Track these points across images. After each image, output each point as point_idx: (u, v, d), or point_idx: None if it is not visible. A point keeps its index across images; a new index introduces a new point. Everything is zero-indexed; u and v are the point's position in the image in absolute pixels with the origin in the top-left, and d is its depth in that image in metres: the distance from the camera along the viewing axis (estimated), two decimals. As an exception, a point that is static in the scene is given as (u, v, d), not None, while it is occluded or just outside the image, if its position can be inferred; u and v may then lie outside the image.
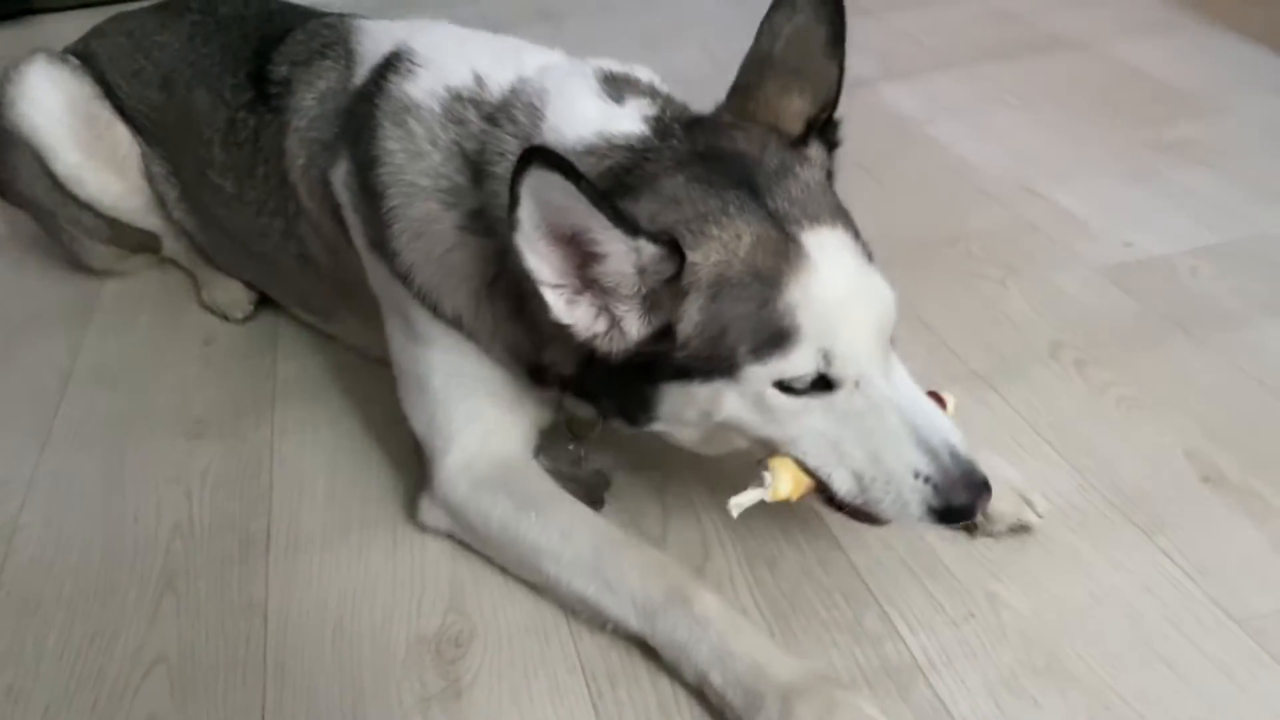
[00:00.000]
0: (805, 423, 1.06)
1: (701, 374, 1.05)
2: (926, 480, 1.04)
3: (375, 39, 1.40)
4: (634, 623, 1.15)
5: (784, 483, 1.08)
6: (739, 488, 1.10)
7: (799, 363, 1.02)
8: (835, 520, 1.30)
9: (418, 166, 1.22)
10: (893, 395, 1.06)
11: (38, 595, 1.32)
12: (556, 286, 1.02)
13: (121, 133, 1.77)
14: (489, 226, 1.18)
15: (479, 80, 1.25)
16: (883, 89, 2.56)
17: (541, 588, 1.24)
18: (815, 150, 1.15)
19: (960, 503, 1.04)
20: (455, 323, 1.25)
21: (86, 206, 1.80)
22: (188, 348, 1.81)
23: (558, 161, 0.92)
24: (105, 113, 1.76)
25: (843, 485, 1.08)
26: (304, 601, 1.28)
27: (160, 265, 1.99)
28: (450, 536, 1.33)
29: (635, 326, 1.04)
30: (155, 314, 1.91)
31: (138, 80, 1.73)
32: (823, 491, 1.11)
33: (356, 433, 1.56)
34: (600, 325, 1.04)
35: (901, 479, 1.05)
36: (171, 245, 1.90)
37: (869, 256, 1.09)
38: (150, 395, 1.69)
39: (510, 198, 0.95)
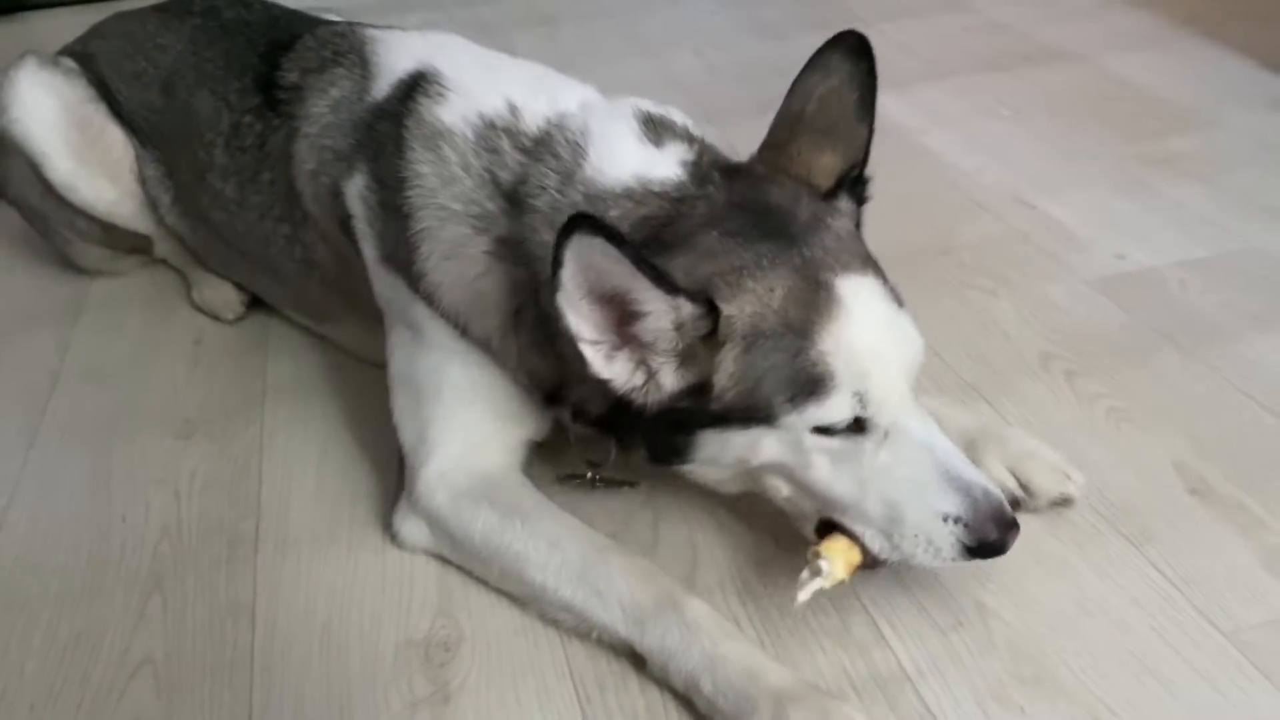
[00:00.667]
0: (841, 467, 1.08)
1: (739, 422, 1.07)
2: (957, 521, 1.06)
3: (392, 51, 1.41)
4: (622, 630, 1.15)
5: (839, 567, 1.09)
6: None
7: (834, 408, 1.04)
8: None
9: (450, 191, 1.23)
10: (925, 439, 1.08)
11: (24, 594, 1.31)
12: (595, 343, 1.05)
13: (115, 136, 1.76)
14: (518, 256, 1.19)
15: (513, 110, 1.27)
16: (877, 99, 2.57)
17: (526, 599, 1.23)
18: (845, 203, 1.18)
19: (993, 539, 1.06)
20: (483, 345, 1.26)
21: (80, 211, 1.79)
22: (178, 347, 1.80)
23: (602, 228, 0.95)
24: (99, 116, 1.75)
25: (874, 544, 1.10)
26: (292, 603, 1.28)
27: (151, 265, 1.98)
28: (427, 552, 1.32)
29: (671, 379, 1.06)
30: (145, 313, 1.90)
31: (138, 82, 1.73)
32: (867, 558, 1.12)
33: (346, 434, 1.55)
34: (638, 379, 1.07)
35: (931, 527, 1.06)
36: (163, 247, 1.90)
37: (900, 302, 1.11)
38: (139, 394, 1.68)
39: (554, 260, 0.97)
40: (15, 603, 1.30)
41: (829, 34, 1.22)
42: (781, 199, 1.13)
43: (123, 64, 1.75)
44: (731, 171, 1.18)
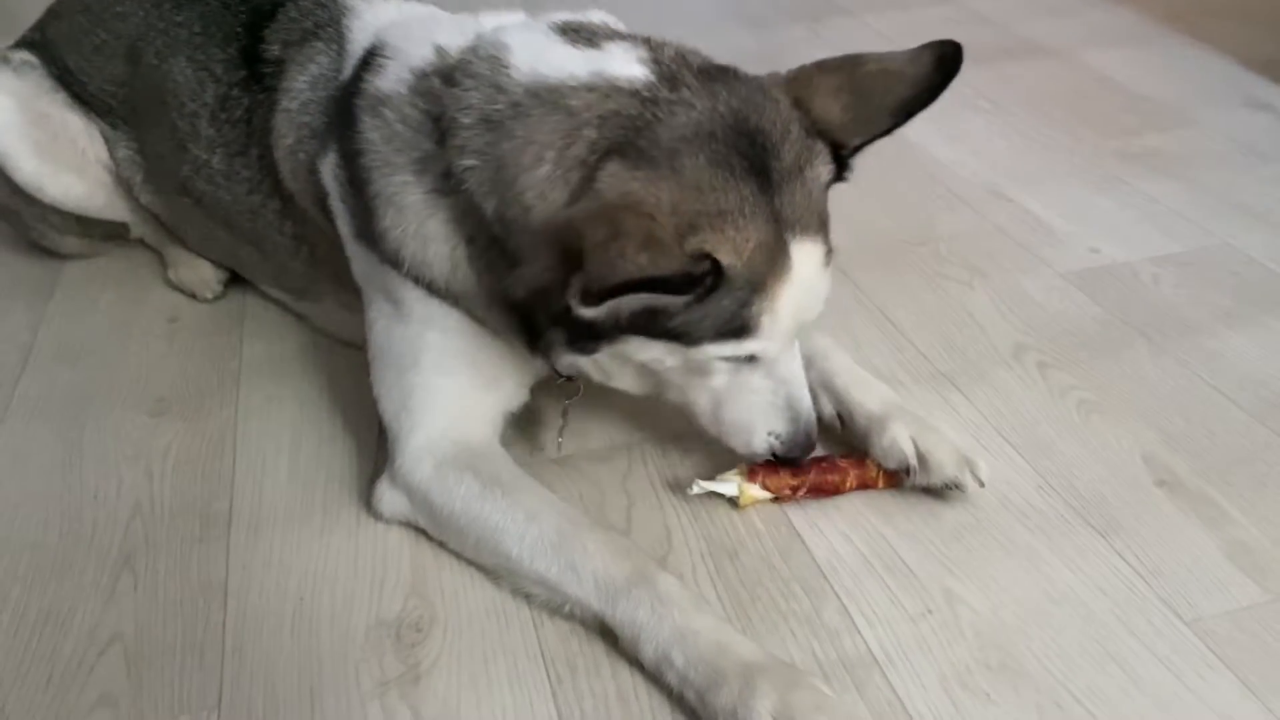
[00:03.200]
0: (715, 381, 1.20)
1: (664, 335, 1.11)
2: (777, 438, 1.23)
3: (364, 23, 1.40)
4: (595, 603, 1.15)
5: (744, 488, 1.31)
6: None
7: (746, 349, 1.13)
8: (797, 514, 1.32)
9: (392, 146, 1.23)
10: (788, 377, 1.21)
11: (-8, 570, 1.31)
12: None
13: (77, 126, 1.73)
14: (454, 186, 1.17)
15: (439, 51, 1.25)
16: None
17: (500, 571, 1.24)
18: (825, 155, 1.15)
19: (793, 456, 1.26)
20: (446, 294, 1.25)
21: (50, 208, 1.77)
22: (152, 326, 1.79)
23: (646, 284, 0.99)
24: (56, 108, 1.73)
25: (707, 424, 1.26)
26: (264, 583, 1.27)
27: (127, 244, 1.96)
28: (406, 523, 1.33)
29: (633, 306, 1.06)
30: (120, 291, 1.89)
31: (99, 55, 1.69)
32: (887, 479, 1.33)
33: (322, 414, 1.55)
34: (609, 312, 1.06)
35: (759, 434, 1.24)
36: (139, 228, 1.88)
37: (829, 258, 1.14)
38: (112, 372, 1.67)
39: (578, 250, 0.97)
40: (-16, 578, 1.30)
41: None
42: (771, 126, 1.10)
43: (81, 40, 1.72)
44: (708, 73, 1.14)
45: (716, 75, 1.15)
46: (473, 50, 1.21)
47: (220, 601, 1.25)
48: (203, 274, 1.83)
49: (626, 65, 1.13)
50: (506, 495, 1.24)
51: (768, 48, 2.88)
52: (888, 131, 1.18)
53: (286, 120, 1.40)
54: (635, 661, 1.13)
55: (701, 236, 1.03)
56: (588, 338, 1.12)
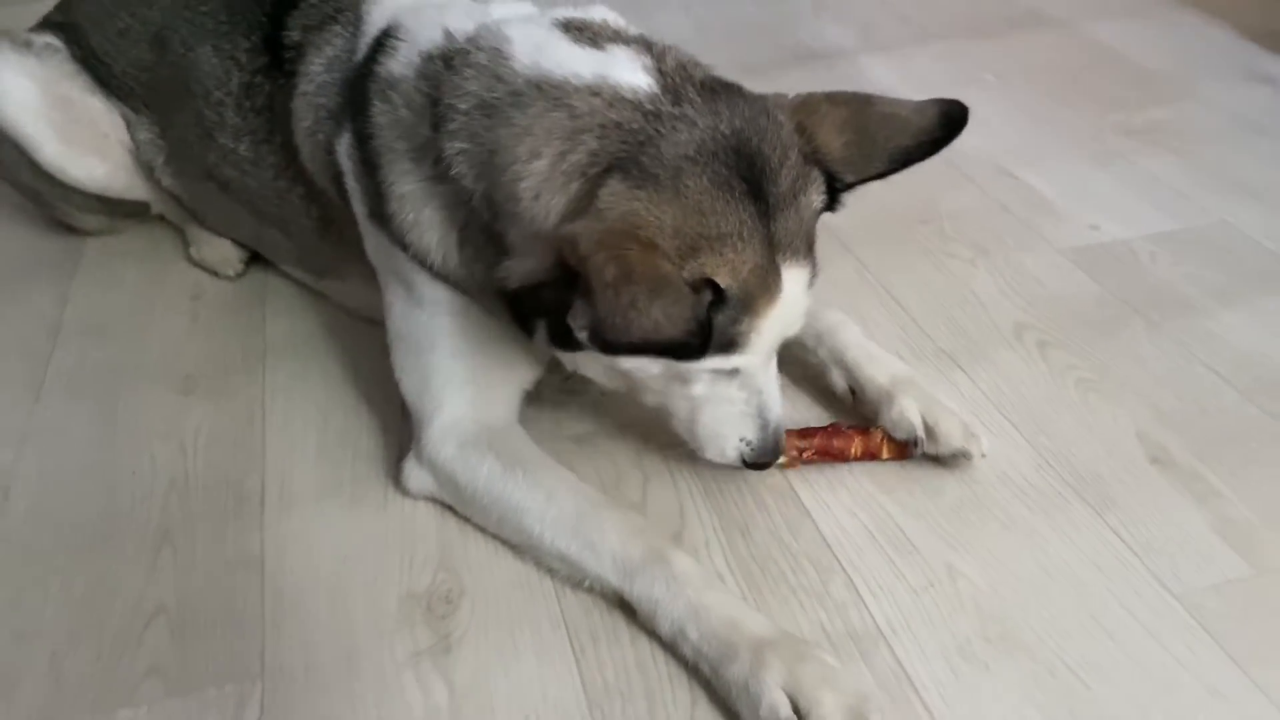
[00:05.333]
0: (695, 389, 1.23)
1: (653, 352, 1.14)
2: (749, 444, 1.26)
3: (383, 7, 1.43)
4: (613, 579, 1.22)
5: None
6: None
7: (730, 364, 1.17)
8: (805, 491, 1.39)
9: (396, 130, 1.27)
10: (762, 388, 1.24)
11: (39, 545, 1.37)
12: None
13: (99, 108, 1.77)
14: (446, 168, 1.20)
15: (448, 35, 1.28)
16: (863, 61, 2.62)
17: (523, 547, 1.30)
18: (819, 184, 1.18)
19: (763, 462, 1.29)
20: (446, 277, 1.30)
21: (72, 189, 1.81)
22: (176, 302, 1.84)
23: (659, 347, 1.06)
24: (77, 92, 1.77)
25: (681, 429, 1.29)
26: (298, 557, 1.34)
27: (148, 220, 2.00)
28: (432, 499, 1.39)
29: None
30: (142, 267, 1.94)
31: (124, 39, 1.73)
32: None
33: (346, 391, 1.61)
34: None
35: (732, 441, 1.27)
36: (160, 205, 1.92)
37: (814, 280, 1.19)
38: (140, 349, 1.72)
39: (576, 259, 1.02)
40: (31, 552, 1.36)
41: None
42: (771, 150, 1.13)
43: (106, 24, 1.75)
44: (710, 89, 1.17)
45: (719, 91, 1.17)
46: (475, 39, 1.24)
47: (257, 575, 1.32)
48: (224, 252, 1.87)
49: (631, 72, 1.15)
50: (528, 475, 1.30)
51: (770, 18, 2.91)
52: (883, 175, 1.21)
53: (304, 103, 1.45)
54: (653, 633, 1.20)
55: (702, 260, 1.06)
56: (573, 340, 1.13)
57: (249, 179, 1.63)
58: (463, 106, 1.19)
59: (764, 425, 1.26)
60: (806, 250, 1.16)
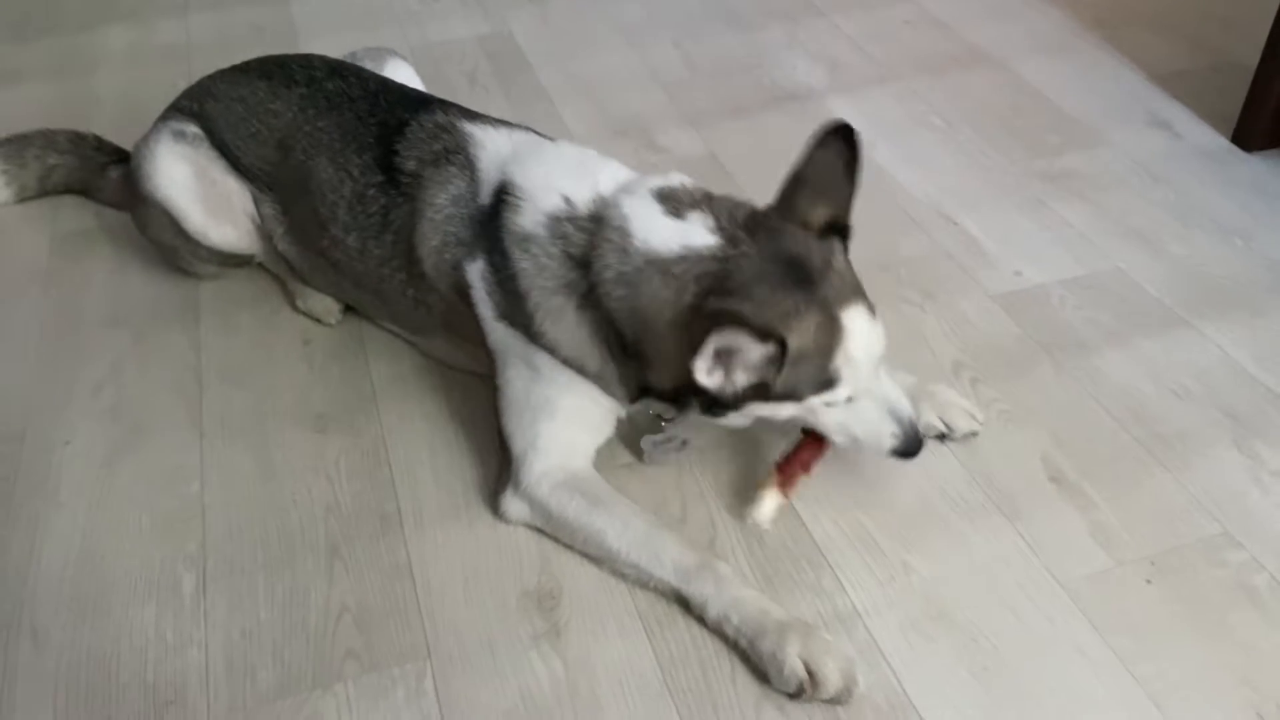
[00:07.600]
0: (832, 415, 1.68)
1: (776, 399, 1.65)
2: (895, 438, 1.68)
3: (488, 153, 1.88)
4: (673, 581, 1.72)
5: (767, 502, 1.80)
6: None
7: (838, 394, 1.65)
8: (803, 509, 1.89)
9: (544, 275, 1.74)
10: (884, 398, 1.68)
11: (240, 560, 1.82)
12: (709, 372, 1.60)
13: (233, 187, 2.20)
14: (595, 304, 1.71)
15: (568, 201, 1.76)
16: (830, 103, 3.00)
17: (602, 559, 1.79)
18: (836, 243, 1.70)
19: (911, 450, 1.70)
20: (581, 371, 1.78)
21: (206, 248, 2.25)
22: (290, 348, 2.25)
23: (728, 314, 1.50)
24: (218, 172, 2.19)
25: (839, 440, 1.73)
26: (437, 565, 1.81)
27: (249, 268, 2.40)
28: (527, 526, 1.87)
29: (743, 381, 1.61)
30: (254, 313, 2.34)
31: (254, 141, 2.14)
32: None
33: (446, 430, 2.05)
34: (727, 385, 1.62)
35: (885, 438, 1.70)
36: (271, 264, 2.35)
37: (873, 312, 1.68)
38: (273, 392, 2.13)
39: (699, 347, 1.53)
40: (236, 567, 1.82)
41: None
42: (798, 249, 1.64)
43: (239, 126, 2.16)
44: (752, 226, 1.67)
45: (758, 224, 1.68)
46: (600, 219, 1.72)
47: (409, 579, 1.80)
48: (326, 304, 2.30)
49: (703, 235, 1.66)
50: (606, 509, 1.80)
51: (751, 54, 3.27)
52: (852, 194, 1.68)
53: (432, 227, 1.89)
54: (702, 620, 1.71)
55: (777, 333, 1.55)
56: (720, 406, 1.68)
57: (355, 263, 2.06)
58: (608, 275, 1.68)
59: (900, 421, 1.67)
60: (854, 293, 1.65)
